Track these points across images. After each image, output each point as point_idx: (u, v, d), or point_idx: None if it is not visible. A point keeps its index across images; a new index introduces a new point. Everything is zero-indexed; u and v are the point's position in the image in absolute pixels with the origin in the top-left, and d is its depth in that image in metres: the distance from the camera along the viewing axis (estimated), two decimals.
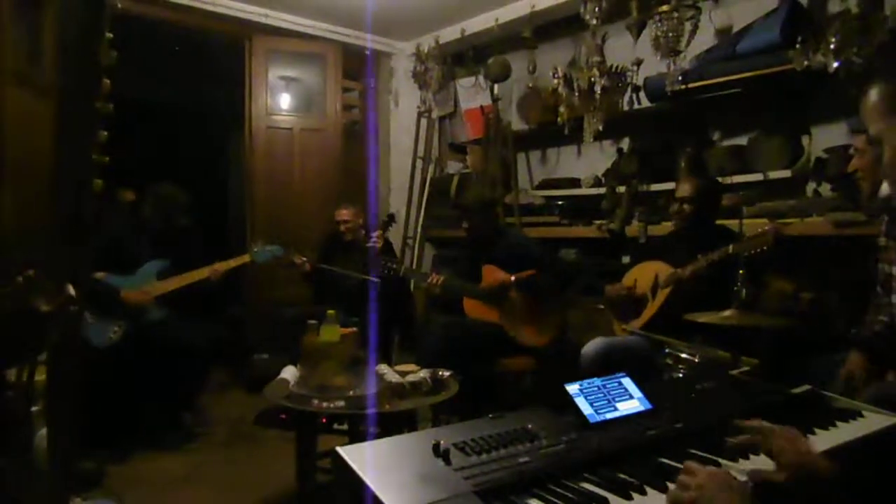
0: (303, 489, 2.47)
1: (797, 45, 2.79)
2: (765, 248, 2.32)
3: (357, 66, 5.03)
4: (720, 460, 1.13)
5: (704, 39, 3.35)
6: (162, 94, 5.80)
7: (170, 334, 3.28)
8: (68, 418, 0.97)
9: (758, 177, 3.21)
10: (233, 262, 3.53)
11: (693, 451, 1.17)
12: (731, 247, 2.44)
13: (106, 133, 0.93)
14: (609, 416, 1.25)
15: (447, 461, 1.03)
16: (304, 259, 3.84)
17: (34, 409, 0.99)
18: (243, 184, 4.89)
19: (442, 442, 1.06)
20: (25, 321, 0.86)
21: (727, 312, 1.95)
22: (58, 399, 0.97)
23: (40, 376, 1.03)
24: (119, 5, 0.96)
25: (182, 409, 3.42)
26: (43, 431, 0.98)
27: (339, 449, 1.04)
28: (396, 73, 5.24)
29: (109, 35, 0.91)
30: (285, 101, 4.71)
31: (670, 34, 2.92)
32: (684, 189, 2.82)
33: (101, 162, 0.92)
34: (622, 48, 3.50)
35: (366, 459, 1.02)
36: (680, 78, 3.14)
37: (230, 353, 4.28)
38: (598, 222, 3.82)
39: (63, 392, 0.97)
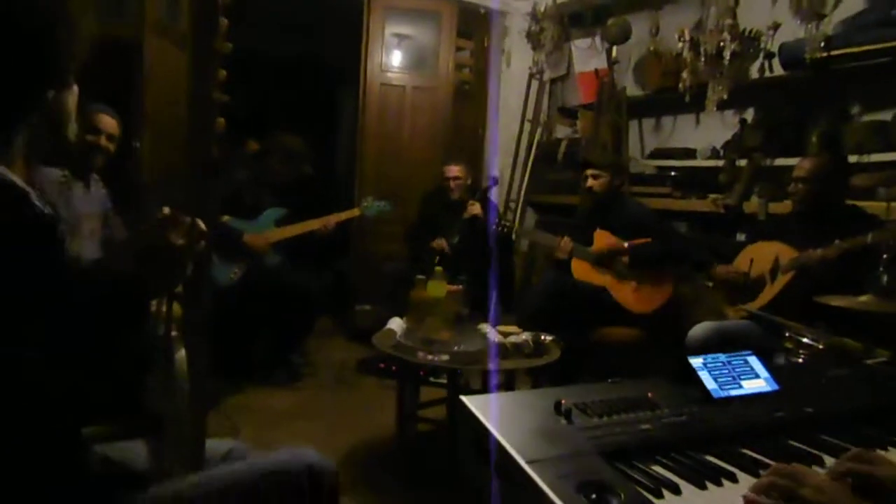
0: (403, 433, 2.58)
1: None
2: None
3: (470, 25, 4.98)
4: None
5: (854, 2, 3.07)
6: (282, 47, 5.98)
7: (284, 279, 3.46)
8: (202, 343, 1.07)
9: None
10: (343, 216, 3.66)
11: (825, 438, 1.12)
12: (869, 235, 2.24)
13: (224, 72, 0.96)
14: (733, 392, 1.22)
15: (569, 420, 1.04)
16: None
17: (173, 334, 1.10)
18: (353, 138, 5.01)
19: (563, 401, 1.07)
20: (164, 255, 0.92)
21: (864, 297, 1.83)
22: (193, 326, 1.07)
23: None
24: None
25: (291, 349, 3.61)
26: (181, 353, 1.09)
27: (463, 398, 1.07)
28: (510, 32, 5.14)
29: None
30: (398, 58, 4.75)
31: None
32: (802, 168, 2.63)
33: (221, 100, 0.96)
34: (757, 11, 3.28)
35: (489, 410, 1.05)
36: (822, 44, 2.92)
37: (335, 302, 4.47)
38: (713, 196, 3.65)
39: (197, 319, 1.07)
